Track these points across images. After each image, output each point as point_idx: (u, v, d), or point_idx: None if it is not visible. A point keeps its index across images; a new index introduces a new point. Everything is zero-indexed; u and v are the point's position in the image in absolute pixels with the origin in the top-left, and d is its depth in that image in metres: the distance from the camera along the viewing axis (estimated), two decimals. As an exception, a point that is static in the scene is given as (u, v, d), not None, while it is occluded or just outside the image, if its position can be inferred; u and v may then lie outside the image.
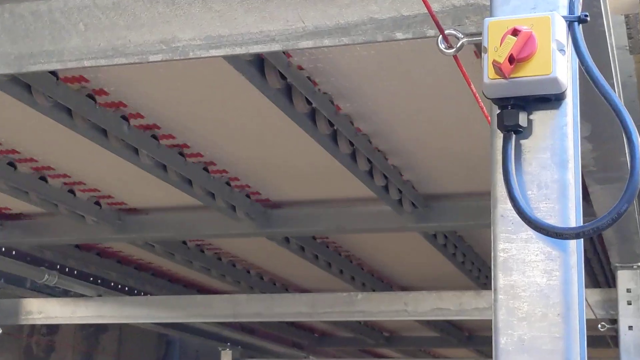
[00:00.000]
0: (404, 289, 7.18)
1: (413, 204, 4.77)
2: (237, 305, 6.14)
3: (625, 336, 4.88)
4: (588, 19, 1.93)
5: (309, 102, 3.54)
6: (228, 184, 4.66)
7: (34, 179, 4.56)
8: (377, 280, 6.95)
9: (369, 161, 4.19)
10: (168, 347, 9.83)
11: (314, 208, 5.02)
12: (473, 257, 6.23)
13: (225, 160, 4.37)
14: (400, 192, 4.63)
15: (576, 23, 1.91)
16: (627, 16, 3.42)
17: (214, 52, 2.38)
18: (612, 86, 2.84)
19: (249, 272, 6.86)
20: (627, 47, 3.53)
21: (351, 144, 3.98)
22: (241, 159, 4.37)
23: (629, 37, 3.50)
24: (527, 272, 1.85)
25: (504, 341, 1.84)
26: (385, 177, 4.42)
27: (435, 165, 4.42)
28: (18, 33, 2.54)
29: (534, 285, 1.85)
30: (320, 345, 9.93)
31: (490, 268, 1.93)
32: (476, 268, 6.45)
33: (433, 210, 4.89)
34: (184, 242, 5.97)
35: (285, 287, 7.39)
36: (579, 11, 1.94)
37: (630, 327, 4.88)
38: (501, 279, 1.87)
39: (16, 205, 5.10)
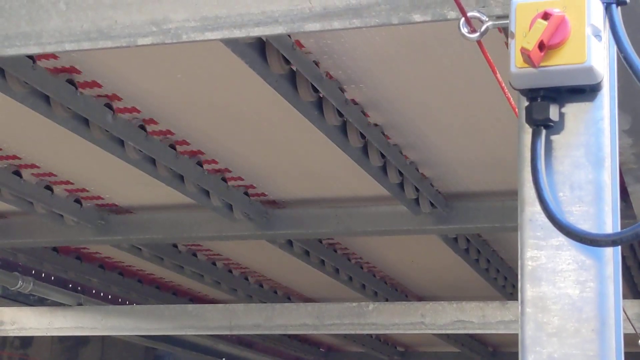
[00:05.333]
0: (421, 299, 7.20)
1: (431, 203, 4.78)
2: (233, 316, 6.17)
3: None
4: (628, 0, 1.93)
5: (316, 90, 3.55)
6: (224, 180, 4.68)
7: (7, 174, 4.57)
8: (390, 289, 6.97)
9: (383, 156, 4.21)
10: (156, 363, 9.85)
11: (321, 208, 5.03)
12: (498, 263, 6.24)
13: (222, 154, 4.39)
14: (418, 190, 4.65)
15: (614, 5, 1.92)
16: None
17: (210, 35, 2.39)
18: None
19: (247, 279, 6.88)
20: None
21: (362, 136, 3.99)
22: (239, 153, 4.39)
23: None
24: (558, 282, 1.87)
25: (532, 359, 1.85)
26: (401, 174, 4.44)
27: (457, 161, 4.43)
28: (-10, 13, 2.56)
29: (565, 297, 1.86)
30: (326, 361, 9.96)
31: (518, 276, 1.94)
32: (502, 276, 6.46)
33: (454, 210, 4.90)
34: (175, 245, 5.99)
35: (288, 295, 7.41)
36: (618, -8, 1.95)
37: (676, 344, 4.89)
38: (529, 290, 1.88)
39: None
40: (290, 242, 5.64)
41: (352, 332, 6.53)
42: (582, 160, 1.90)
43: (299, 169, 4.58)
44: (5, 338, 7.82)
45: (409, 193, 4.62)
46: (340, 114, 3.77)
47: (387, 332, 7.02)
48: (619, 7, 1.92)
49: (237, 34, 2.37)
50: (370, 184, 4.48)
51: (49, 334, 6.34)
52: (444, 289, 6.94)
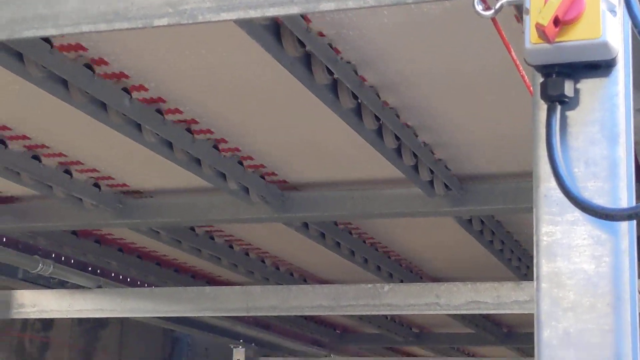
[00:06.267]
0: (435, 280, 7.19)
1: (446, 185, 4.77)
2: (250, 297, 6.17)
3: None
4: (643, -23, 1.92)
5: (331, 72, 3.54)
6: (241, 163, 4.68)
7: (26, 158, 4.58)
8: (405, 271, 6.97)
9: (397, 138, 4.19)
10: (175, 344, 9.87)
11: (336, 190, 5.02)
12: (513, 244, 6.23)
13: (238, 137, 4.38)
14: (432, 172, 4.63)
15: (630, -18, 1.90)
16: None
17: (225, 16, 2.37)
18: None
19: (263, 261, 6.88)
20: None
21: (377, 118, 3.98)
22: (255, 136, 4.38)
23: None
24: (573, 257, 1.85)
25: (548, 334, 1.84)
26: (415, 156, 4.42)
27: (471, 143, 4.42)
28: (10, -4, 2.55)
29: (581, 272, 1.85)
30: (342, 342, 9.96)
31: (531, 257, 1.93)
32: (516, 257, 6.44)
33: (468, 192, 4.89)
34: (192, 229, 5.99)
35: (304, 278, 7.41)
36: (633, -32, 1.93)
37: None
38: (544, 266, 1.87)
39: (6, 187, 5.14)
40: (306, 225, 5.63)
41: (368, 313, 6.50)
42: (597, 136, 1.88)
43: (315, 151, 4.58)
44: (26, 321, 7.85)
45: (424, 175, 4.61)
46: (355, 97, 3.76)
47: (402, 312, 6.98)
48: (634, -17, 1.91)
49: (253, 14, 2.35)
50: (385, 167, 4.47)
51: (69, 316, 6.35)
52: (458, 270, 6.93)
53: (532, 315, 1.90)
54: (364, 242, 6.27)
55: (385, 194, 4.95)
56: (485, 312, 6.04)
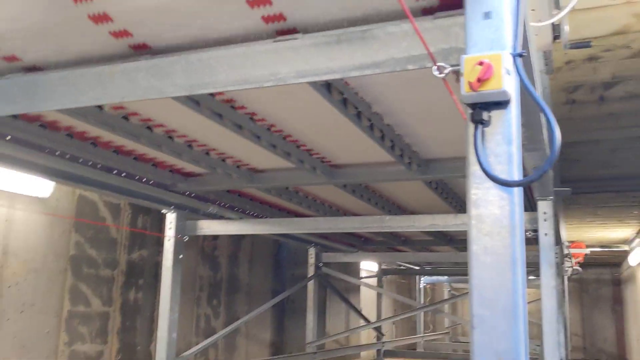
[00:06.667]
0: (412, 213, 7.09)
1: (418, 165, 4.66)
2: (318, 223, 6.11)
3: (542, 240, 4.76)
4: (524, 54, 1.82)
5: (356, 107, 3.46)
6: (311, 154, 4.61)
7: (202, 154, 4.56)
8: (397, 208, 6.87)
9: (392, 140, 4.10)
10: (279, 247, 9.90)
11: (360, 168, 4.95)
12: (453, 195, 6.11)
13: (309, 141, 4.32)
14: (410, 158, 4.53)
15: (517, 57, 1.82)
16: (544, 52, 3.32)
17: (301, 80, 2.32)
18: (537, 94, 2.70)
19: (323, 204, 6.82)
20: (545, 71, 3.42)
21: (381, 131, 3.88)
22: (317, 141, 4.32)
23: (545, 64, 3.40)
24: (489, 207, 1.78)
25: (475, 248, 1.77)
26: (401, 150, 4.33)
27: (432, 142, 4.31)
28: (190, 72, 2.51)
29: (492, 214, 1.77)
30: (364, 244, 9.90)
31: (463, 200, 1.86)
32: (455, 201, 6.32)
33: (430, 168, 4.78)
34: (287, 188, 5.95)
35: (345, 212, 7.35)
36: (519, 50, 1.84)
37: (546, 234, 4.76)
38: (473, 211, 1.79)
39: (190, 167, 5.12)
40: (345, 186, 5.56)
41: (377, 230, 6.39)
42: (500, 141, 1.80)
43: (348, 148, 4.50)
44: (205, 236, 7.89)
45: (406, 159, 4.51)
46: (369, 120, 3.66)
47: (395, 230, 6.87)
48: (520, 58, 1.82)
49: (315, 79, 2.30)
50: (385, 155, 4.39)
51: (225, 233, 6.34)
52: (424, 207, 6.82)
53: (463, 231, 1.83)
54: (375, 193, 6.18)
55: (385, 169, 4.86)
56: (438, 230, 5.91)
